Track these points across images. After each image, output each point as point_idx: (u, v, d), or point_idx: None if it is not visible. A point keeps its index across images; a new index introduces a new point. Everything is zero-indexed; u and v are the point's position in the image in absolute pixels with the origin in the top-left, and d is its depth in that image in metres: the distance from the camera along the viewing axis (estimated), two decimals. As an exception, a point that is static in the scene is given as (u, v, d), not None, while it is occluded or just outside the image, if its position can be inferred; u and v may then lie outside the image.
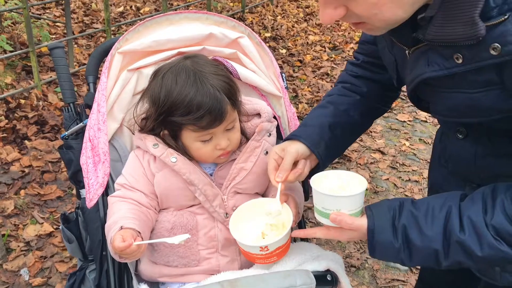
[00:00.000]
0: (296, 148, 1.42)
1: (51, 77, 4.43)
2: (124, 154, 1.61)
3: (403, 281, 2.83)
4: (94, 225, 1.68)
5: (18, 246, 2.83)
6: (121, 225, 1.33)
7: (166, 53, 1.64)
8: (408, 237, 1.13)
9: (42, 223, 3.01)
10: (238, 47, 1.71)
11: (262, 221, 1.43)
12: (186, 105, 1.36)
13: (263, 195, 1.61)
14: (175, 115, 1.39)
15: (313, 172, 1.44)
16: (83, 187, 1.65)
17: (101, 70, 1.63)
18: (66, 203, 3.22)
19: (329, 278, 1.34)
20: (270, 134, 1.56)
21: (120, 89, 1.59)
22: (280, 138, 1.73)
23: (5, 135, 3.66)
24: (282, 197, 1.40)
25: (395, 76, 1.31)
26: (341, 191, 1.32)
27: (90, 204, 1.49)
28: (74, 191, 3.26)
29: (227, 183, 1.50)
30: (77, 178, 1.68)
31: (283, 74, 1.75)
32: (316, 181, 1.34)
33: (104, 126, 1.51)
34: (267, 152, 1.53)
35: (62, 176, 3.41)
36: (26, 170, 3.41)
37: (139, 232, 1.35)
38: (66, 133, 1.65)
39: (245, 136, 1.56)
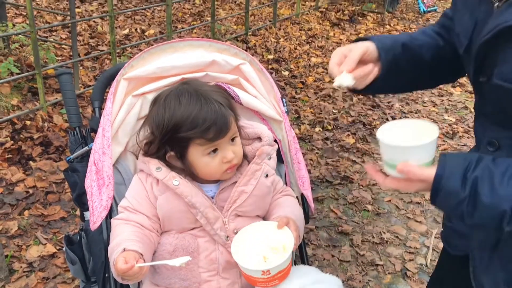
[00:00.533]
0: (367, 45, 1.28)
1: (56, 98, 4.50)
2: (128, 177, 1.65)
3: (405, 304, 2.82)
4: (97, 247, 1.70)
5: (21, 267, 2.84)
6: (124, 247, 1.36)
7: (170, 79, 1.69)
8: (477, 191, 1.02)
9: (45, 244, 3.03)
10: (240, 73, 1.75)
11: (264, 245, 1.46)
12: (192, 120, 1.43)
13: (264, 218, 1.64)
14: (182, 131, 1.45)
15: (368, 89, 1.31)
16: (87, 209, 1.68)
17: (107, 95, 1.68)
18: (69, 224, 3.24)
19: (328, 302, 1.36)
20: (270, 157, 1.60)
21: (125, 114, 1.63)
22: (280, 162, 1.76)
23: (10, 156, 3.70)
24: (282, 221, 1.43)
25: (465, 43, 1.21)
26: (412, 141, 1.15)
27: (94, 226, 1.51)
28: (78, 212, 3.29)
29: (228, 206, 1.53)
30: (81, 201, 1.72)
31: (283, 99, 1.79)
32: (385, 130, 1.20)
33: (108, 150, 1.55)
34: (267, 175, 1.56)
35: (66, 197, 3.44)
36: (31, 190, 3.44)
37: (141, 254, 1.37)
38: (72, 156, 1.69)
39: (246, 159, 1.60)
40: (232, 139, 1.51)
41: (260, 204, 1.58)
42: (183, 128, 1.44)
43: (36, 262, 2.89)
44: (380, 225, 3.51)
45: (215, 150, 1.49)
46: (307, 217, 1.70)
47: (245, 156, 1.60)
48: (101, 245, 1.67)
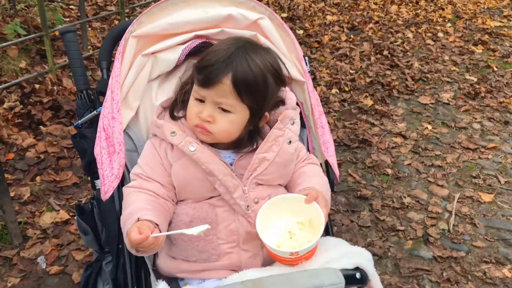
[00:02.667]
0: None
1: (65, 61, 4.37)
2: (140, 144, 1.54)
3: (427, 271, 2.73)
4: (110, 217, 1.62)
5: (35, 233, 2.80)
6: (138, 217, 1.26)
7: (182, 36, 1.56)
8: None
9: (58, 210, 2.98)
10: (258, 29, 1.61)
11: (289, 220, 1.36)
12: (208, 53, 1.36)
13: (286, 187, 1.53)
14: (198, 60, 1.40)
15: None
16: (98, 177, 1.59)
17: (115, 55, 1.55)
18: (82, 190, 3.17)
19: (358, 276, 1.26)
20: (293, 122, 1.48)
21: (134, 75, 1.51)
22: (302, 126, 1.64)
23: (20, 120, 3.61)
24: (311, 195, 1.32)
25: None
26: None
27: (105, 196, 1.42)
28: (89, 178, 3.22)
29: (248, 174, 1.42)
30: (91, 169, 1.62)
31: (305, 58, 1.65)
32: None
33: (118, 114, 1.44)
34: (290, 142, 1.45)
35: (78, 162, 3.37)
36: (42, 156, 3.37)
37: (156, 224, 1.28)
38: (80, 121, 1.58)
39: (268, 124, 1.48)
40: (224, 109, 1.37)
41: (282, 172, 1.47)
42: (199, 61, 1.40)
43: (50, 228, 2.84)
44: (400, 189, 3.40)
45: (201, 101, 1.38)
46: (332, 185, 1.58)
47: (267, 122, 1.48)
48: (114, 215, 1.58)
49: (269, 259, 1.43)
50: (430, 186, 3.45)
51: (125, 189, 1.42)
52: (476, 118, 4.35)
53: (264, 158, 1.42)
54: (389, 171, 3.56)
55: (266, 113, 1.46)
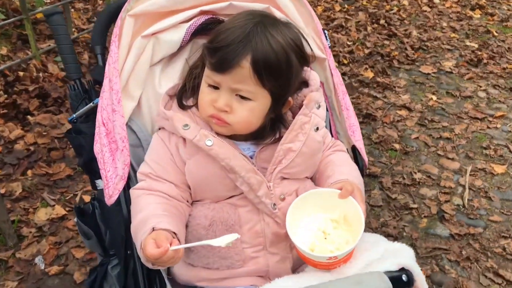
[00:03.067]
0: None
1: (49, 45, 4.12)
2: (145, 138, 1.37)
3: (446, 250, 2.62)
4: (115, 220, 1.45)
5: (30, 232, 2.63)
6: (152, 226, 1.10)
7: (186, 12, 1.37)
8: None
9: (54, 205, 2.80)
10: (271, 1, 1.43)
11: (321, 217, 1.20)
12: (221, 31, 1.18)
13: (312, 178, 1.37)
14: (208, 40, 1.21)
15: None
16: (99, 177, 1.42)
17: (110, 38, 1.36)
18: (77, 182, 2.99)
19: (404, 278, 1.12)
20: (319, 106, 1.30)
21: (134, 60, 1.33)
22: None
23: (5, 111, 3.39)
24: (346, 189, 1.16)
25: None
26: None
27: (110, 200, 1.25)
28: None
29: (271, 167, 1.25)
30: (91, 168, 1.44)
31: (325, 31, 1.47)
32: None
33: (119, 106, 1.26)
34: (317, 128, 1.28)
35: (71, 153, 3.17)
36: (32, 148, 3.17)
37: (174, 233, 1.12)
38: (74, 115, 1.40)
39: (290, 111, 1.31)
40: (242, 96, 1.20)
41: (309, 164, 1.31)
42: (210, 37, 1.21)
43: (46, 226, 2.67)
44: (409, 164, 3.26)
45: (216, 87, 1.21)
46: (361, 172, 1.42)
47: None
48: (120, 218, 1.41)
49: (300, 262, 1.28)
50: (440, 159, 3.32)
51: (132, 192, 1.25)
52: (481, 86, 4.21)
53: (289, 149, 1.25)
54: (397, 146, 3.42)
55: (290, 98, 1.28)
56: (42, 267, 2.46)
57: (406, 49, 4.83)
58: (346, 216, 1.20)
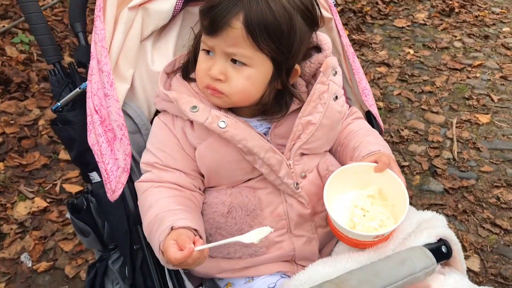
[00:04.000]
0: None
1: (3, 26, 3.82)
2: (142, 123, 1.23)
3: (442, 205, 2.61)
4: (117, 213, 1.33)
5: (11, 229, 2.46)
6: (171, 225, 0.98)
7: (176, -24, 1.21)
8: None
9: (33, 198, 2.63)
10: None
11: (357, 193, 1.11)
12: None
13: (331, 150, 1.27)
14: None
15: None
16: (93, 169, 1.29)
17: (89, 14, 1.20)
18: (54, 171, 2.82)
19: (444, 250, 1.05)
20: (336, 72, 1.19)
21: (123, 36, 1.18)
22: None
23: (-35, 101, 3.15)
24: (382, 161, 1.07)
25: None
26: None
27: (113, 196, 1.13)
28: (61, 155, 2.87)
29: (290, 143, 1.14)
30: (83, 160, 1.30)
31: (328, -12, 1.34)
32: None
33: (112, 90, 1.12)
34: (336, 97, 1.16)
35: (43, 140, 2.98)
36: (0, 138, 2.96)
37: (195, 230, 1.00)
38: (59, 103, 1.24)
39: (303, 79, 1.19)
40: (235, 61, 1.07)
41: (330, 136, 1.20)
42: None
43: (28, 220, 2.51)
44: (395, 122, 3.21)
45: (209, 52, 1.09)
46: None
47: (301, 76, 1.18)
48: (121, 211, 1.29)
49: (326, 240, 1.20)
50: (425, 114, 3.28)
51: (139, 185, 1.13)
52: (456, 36, 4.17)
53: (309, 122, 1.14)
54: (381, 104, 3.36)
55: (297, 66, 1.15)
56: (29, 265, 2.32)
57: (377, 3, 4.73)
58: (381, 190, 1.12)
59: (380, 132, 1.35)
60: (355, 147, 1.20)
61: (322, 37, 1.20)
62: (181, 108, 1.08)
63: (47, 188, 2.69)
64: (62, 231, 2.47)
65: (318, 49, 1.20)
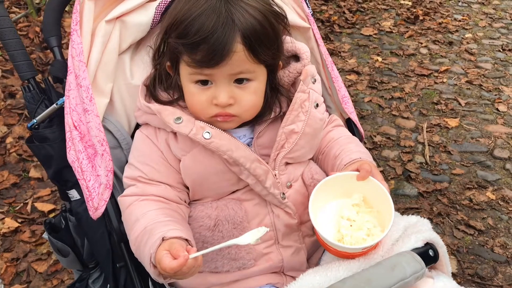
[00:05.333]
0: None
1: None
2: (123, 137, 1.21)
3: (417, 208, 2.65)
4: (97, 232, 1.30)
5: (-19, 251, 2.37)
6: (162, 236, 0.96)
7: (153, -11, 1.20)
8: None
9: (3, 218, 2.54)
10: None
11: (341, 203, 1.11)
12: (186, 24, 1.00)
13: (313, 158, 1.27)
14: (172, 35, 1.04)
15: None
16: (72, 187, 1.25)
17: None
18: (25, 190, 2.73)
19: (431, 253, 1.07)
20: (315, 80, 1.19)
21: (100, 49, 1.15)
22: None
23: None
24: (364, 169, 1.07)
25: None
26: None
27: (96, 214, 1.09)
28: (31, 174, 2.78)
29: (274, 153, 1.14)
30: (61, 178, 1.26)
31: (305, -1, 1.35)
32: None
33: (91, 105, 1.09)
34: (317, 105, 1.17)
35: (12, 158, 2.89)
36: (-35, 159, 2.85)
37: (186, 240, 0.99)
38: (35, 120, 1.20)
39: (282, 90, 1.19)
40: (240, 80, 1.07)
41: (313, 144, 1.20)
42: (174, 32, 1.03)
43: (-2, 242, 2.42)
44: (368, 128, 3.26)
45: (205, 82, 1.06)
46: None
47: (280, 85, 1.18)
48: (103, 229, 1.26)
49: (313, 250, 1.20)
50: (396, 120, 3.34)
51: (122, 200, 1.10)
52: (421, 43, 4.28)
53: (292, 131, 1.14)
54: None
55: (280, 62, 1.17)
56: (2, 288, 2.23)
57: (344, 12, 4.81)
58: (365, 198, 1.12)
59: (361, 139, 1.36)
60: (336, 156, 1.21)
61: (300, 45, 1.20)
62: (165, 120, 1.06)
63: (17, 208, 2.61)
64: (35, 252, 2.39)
65: (296, 58, 1.20)
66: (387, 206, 1.05)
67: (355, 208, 1.10)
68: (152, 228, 1.00)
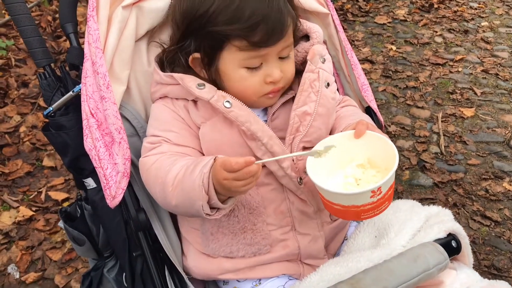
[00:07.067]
0: None
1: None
2: (140, 125, 1.20)
3: (432, 199, 2.62)
4: (114, 220, 1.29)
5: (-4, 239, 2.39)
6: (214, 157, 0.96)
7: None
8: None
9: (17, 207, 2.55)
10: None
11: (345, 167, 1.07)
12: (235, 9, 0.98)
13: None
14: (217, 24, 1.00)
15: None
16: (88, 175, 1.24)
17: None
18: (38, 179, 2.74)
19: (454, 244, 1.04)
20: (324, 60, 1.17)
21: (117, 36, 1.13)
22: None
23: None
24: (360, 126, 1.05)
25: None
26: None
27: (114, 202, 1.08)
28: (45, 162, 2.79)
29: (289, 137, 1.11)
30: (78, 166, 1.26)
31: (324, -17, 1.32)
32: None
33: (109, 92, 1.08)
34: (328, 84, 1.15)
35: (26, 147, 2.90)
36: (-20, 147, 2.87)
37: None
38: (51, 107, 1.19)
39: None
40: (283, 55, 1.09)
41: (328, 125, 1.18)
42: (220, 19, 0.99)
43: (13, 230, 2.43)
44: (382, 118, 3.22)
45: (258, 63, 1.06)
46: (379, 134, 1.31)
47: None
48: (119, 218, 1.25)
49: (331, 237, 1.18)
50: (411, 109, 3.30)
51: (144, 160, 1.08)
52: (436, 32, 4.22)
53: (304, 113, 1.11)
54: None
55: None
56: (17, 276, 2.25)
57: (357, 0, 4.75)
58: (370, 158, 1.08)
59: (381, 128, 1.33)
60: (336, 128, 1.19)
61: (311, 25, 1.19)
62: (187, 85, 1.05)
63: (31, 197, 2.62)
64: (49, 240, 2.40)
65: (307, 38, 1.18)
66: (392, 157, 0.99)
67: (360, 169, 1.07)
68: (195, 162, 0.98)
